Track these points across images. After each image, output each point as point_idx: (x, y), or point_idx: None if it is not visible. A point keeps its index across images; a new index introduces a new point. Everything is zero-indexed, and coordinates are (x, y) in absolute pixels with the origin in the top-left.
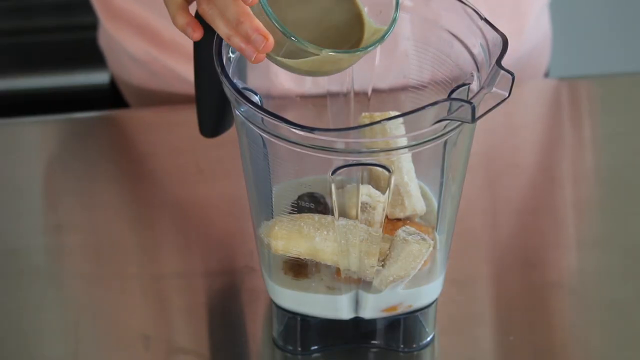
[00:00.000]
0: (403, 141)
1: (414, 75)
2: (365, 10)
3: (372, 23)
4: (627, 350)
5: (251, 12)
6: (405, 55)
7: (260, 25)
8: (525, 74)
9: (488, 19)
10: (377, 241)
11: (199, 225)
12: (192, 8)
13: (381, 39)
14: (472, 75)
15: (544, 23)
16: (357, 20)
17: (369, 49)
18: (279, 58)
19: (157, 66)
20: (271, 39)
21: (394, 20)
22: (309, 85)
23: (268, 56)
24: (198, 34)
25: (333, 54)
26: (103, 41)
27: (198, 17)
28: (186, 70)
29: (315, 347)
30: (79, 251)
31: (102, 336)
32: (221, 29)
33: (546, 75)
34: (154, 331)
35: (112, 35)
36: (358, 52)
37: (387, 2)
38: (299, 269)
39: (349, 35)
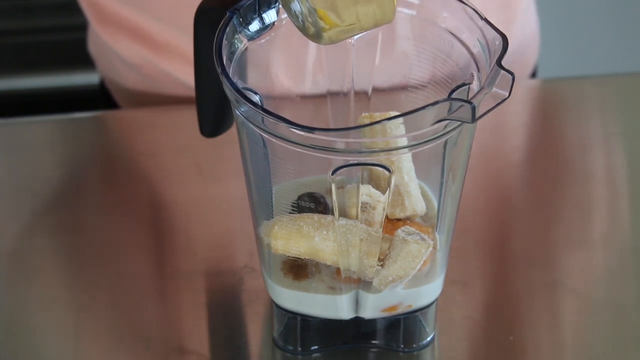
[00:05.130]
0: (403, 141)
1: (414, 75)
2: None
3: None
4: (627, 351)
5: None
6: (405, 55)
7: None
8: (514, 71)
9: None
10: (377, 241)
11: (199, 225)
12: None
13: None
14: (472, 75)
15: (532, 19)
16: None
17: None
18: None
19: (150, 69)
20: None
21: None
22: (309, 85)
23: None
24: None
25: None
26: (93, 46)
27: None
28: (180, 73)
29: (315, 347)
30: (79, 251)
31: (102, 336)
32: None
33: (534, 73)
34: (154, 331)
35: (104, 39)
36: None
37: None
38: (298, 270)
39: None
